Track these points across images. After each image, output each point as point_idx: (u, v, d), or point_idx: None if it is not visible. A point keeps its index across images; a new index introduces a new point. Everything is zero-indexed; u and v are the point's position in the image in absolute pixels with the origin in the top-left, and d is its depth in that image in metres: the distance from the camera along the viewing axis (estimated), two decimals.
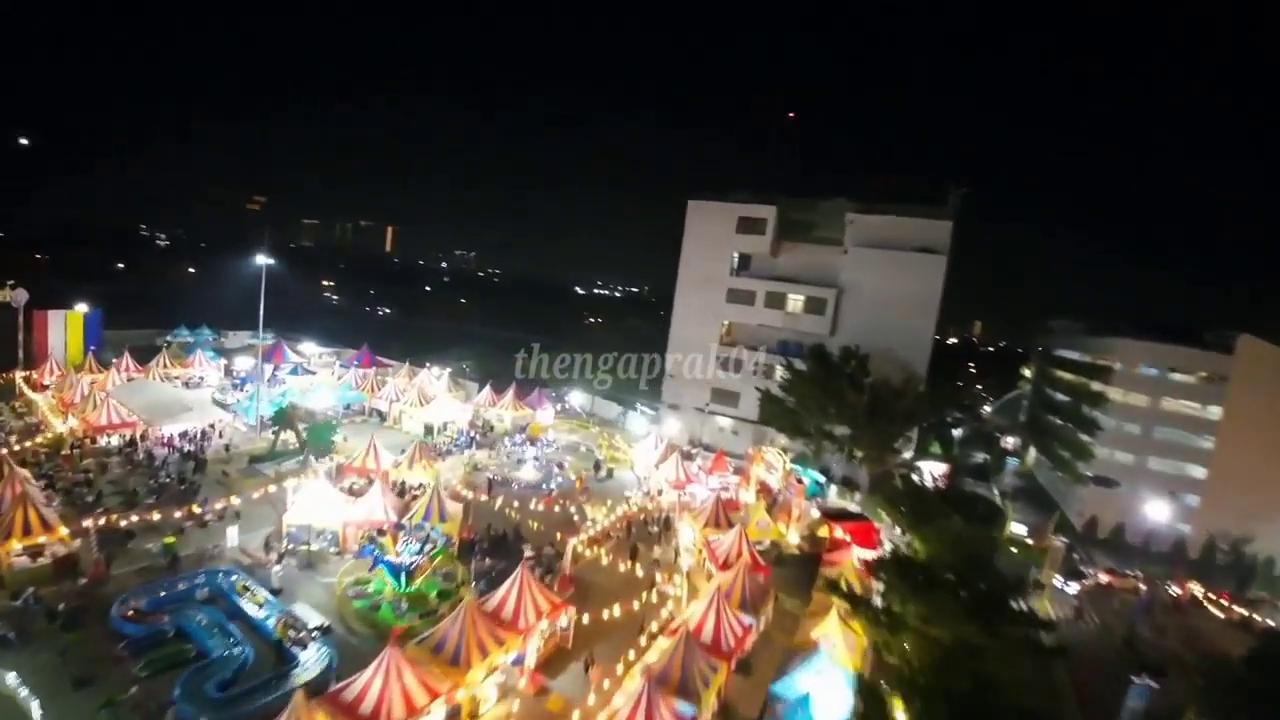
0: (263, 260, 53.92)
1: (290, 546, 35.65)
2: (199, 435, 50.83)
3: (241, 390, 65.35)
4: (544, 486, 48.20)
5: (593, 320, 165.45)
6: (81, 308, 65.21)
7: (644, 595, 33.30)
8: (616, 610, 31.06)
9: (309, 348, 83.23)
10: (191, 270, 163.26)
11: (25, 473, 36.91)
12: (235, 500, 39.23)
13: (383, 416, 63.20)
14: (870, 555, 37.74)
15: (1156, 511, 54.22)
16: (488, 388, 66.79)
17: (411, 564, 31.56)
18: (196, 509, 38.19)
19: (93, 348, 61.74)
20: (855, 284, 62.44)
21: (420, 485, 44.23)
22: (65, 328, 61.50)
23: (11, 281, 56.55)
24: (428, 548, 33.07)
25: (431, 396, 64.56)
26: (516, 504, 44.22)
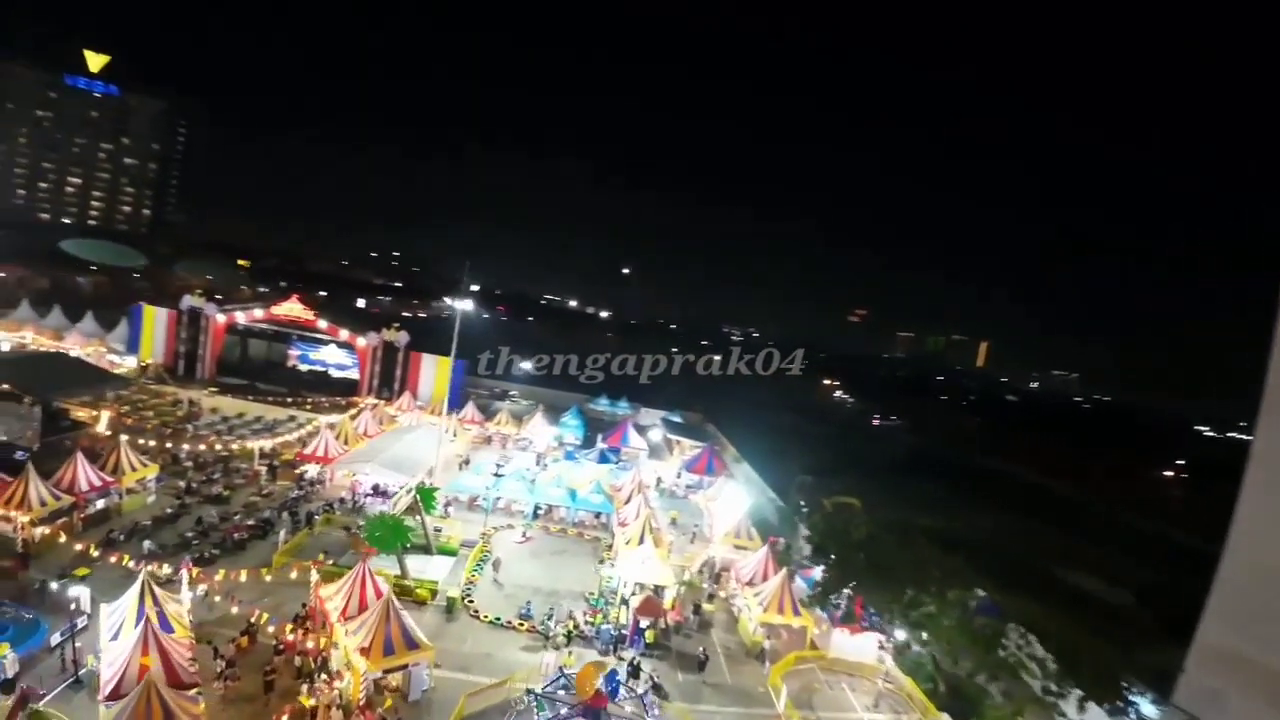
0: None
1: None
2: (371, 491, 42.72)
3: (540, 464, 56.06)
4: None
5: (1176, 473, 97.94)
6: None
7: None
8: None
9: (655, 434, 69.22)
10: (716, 357, 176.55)
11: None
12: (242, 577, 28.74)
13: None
14: None
15: None
16: (764, 550, 37.86)
17: None
18: (164, 567, 28.69)
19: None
20: None
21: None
22: (435, 370, 65.27)
23: (396, 324, 62.64)
24: None
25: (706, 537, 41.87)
26: None
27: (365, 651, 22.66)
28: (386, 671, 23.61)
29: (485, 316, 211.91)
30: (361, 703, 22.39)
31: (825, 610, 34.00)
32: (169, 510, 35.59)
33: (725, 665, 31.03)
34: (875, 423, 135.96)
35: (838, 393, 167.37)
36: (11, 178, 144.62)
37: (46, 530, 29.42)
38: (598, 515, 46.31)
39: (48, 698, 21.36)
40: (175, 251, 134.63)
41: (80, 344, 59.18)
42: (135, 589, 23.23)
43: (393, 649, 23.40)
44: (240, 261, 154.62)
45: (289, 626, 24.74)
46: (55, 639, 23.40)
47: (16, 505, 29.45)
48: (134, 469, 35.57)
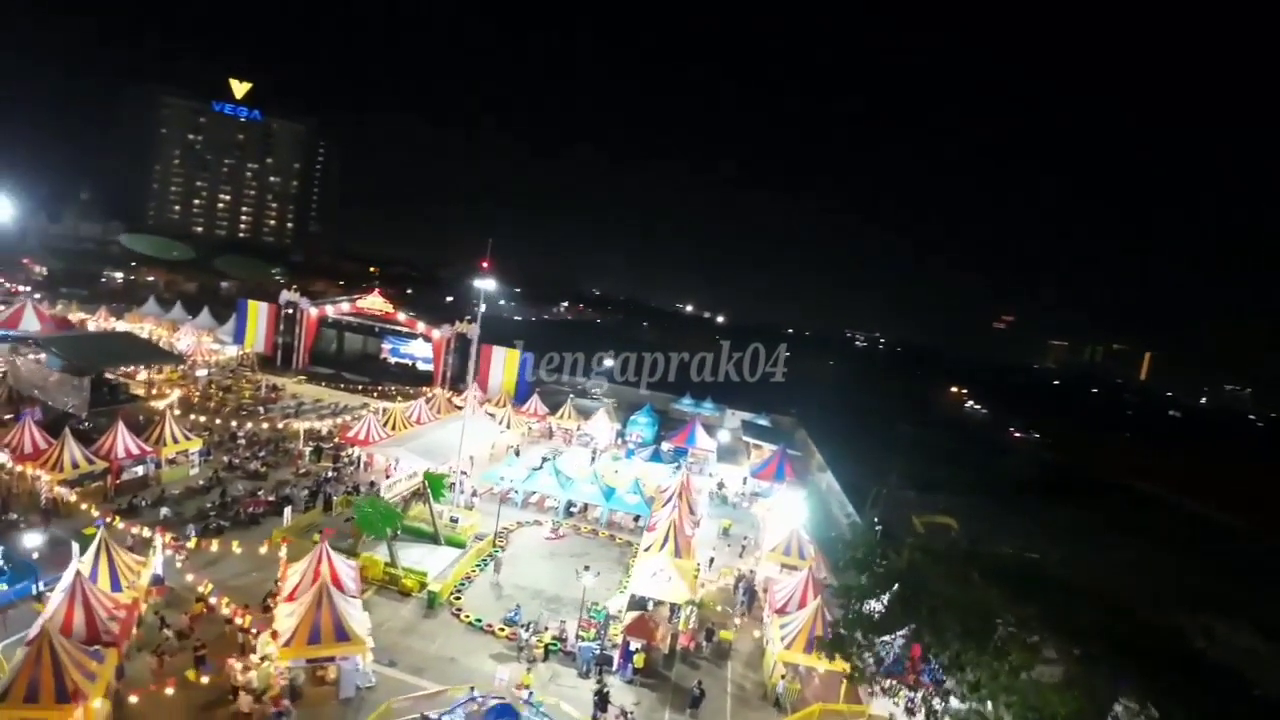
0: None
1: None
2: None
3: (594, 461, 53.49)
4: None
5: None
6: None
7: None
8: None
9: (726, 435, 64.10)
10: (831, 363, 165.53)
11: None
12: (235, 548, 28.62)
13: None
14: None
15: None
16: (805, 572, 32.42)
17: None
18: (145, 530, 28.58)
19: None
20: None
21: None
22: (504, 362, 65.00)
23: (469, 317, 62.89)
24: None
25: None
26: None
27: (279, 636, 20.89)
28: (311, 661, 21.72)
29: (599, 321, 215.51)
30: (277, 691, 20.63)
31: (836, 656, 26.82)
32: (202, 483, 36.78)
33: (730, 708, 25.87)
34: (1015, 435, 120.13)
35: (968, 403, 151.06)
36: (168, 196, 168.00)
37: (68, 491, 30.87)
38: (636, 518, 42.76)
39: (4, 643, 21.63)
40: (309, 260, 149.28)
41: (193, 334, 65.29)
42: (93, 547, 23.28)
43: (319, 638, 21.41)
44: (371, 269, 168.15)
45: (225, 600, 23.61)
46: (39, 588, 24.24)
47: (50, 467, 31.29)
48: (176, 441, 37.15)
